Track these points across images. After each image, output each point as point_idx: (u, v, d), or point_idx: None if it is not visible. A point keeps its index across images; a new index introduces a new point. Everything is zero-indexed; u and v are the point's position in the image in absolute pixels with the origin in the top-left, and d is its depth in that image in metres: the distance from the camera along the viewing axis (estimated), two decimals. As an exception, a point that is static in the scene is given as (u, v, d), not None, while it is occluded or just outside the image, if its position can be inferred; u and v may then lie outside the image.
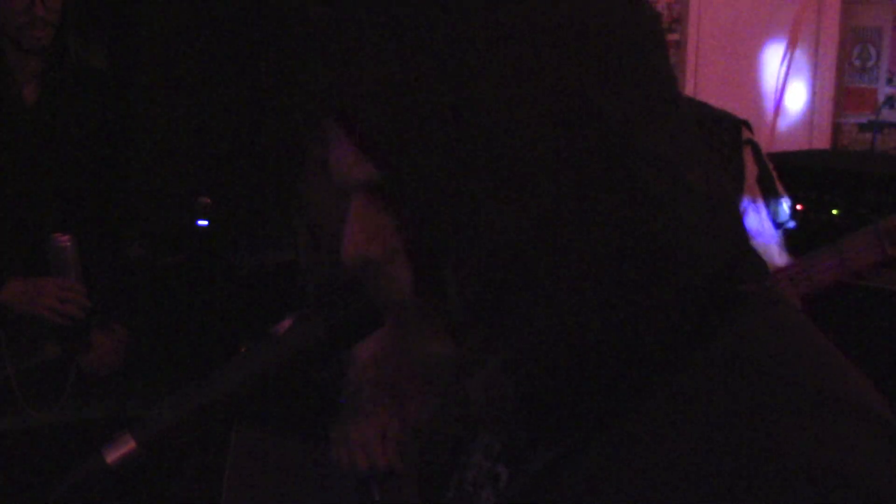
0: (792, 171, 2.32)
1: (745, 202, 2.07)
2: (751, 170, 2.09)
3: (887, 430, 0.74)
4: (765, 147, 2.18)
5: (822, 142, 4.44)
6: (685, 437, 0.72)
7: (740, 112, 2.20)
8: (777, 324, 0.80)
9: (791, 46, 4.35)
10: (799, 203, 3.50)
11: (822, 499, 0.67)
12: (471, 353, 0.79)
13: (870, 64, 4.34)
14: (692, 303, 0.77)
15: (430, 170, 0.74)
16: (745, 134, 2.10)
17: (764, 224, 2.08)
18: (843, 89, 4.42)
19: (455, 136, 0.73)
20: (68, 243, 2.95)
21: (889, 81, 4.28)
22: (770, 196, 2.10)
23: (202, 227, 4.34)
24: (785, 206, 2.13)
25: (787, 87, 4.37)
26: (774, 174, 2.13)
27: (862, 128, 4.36)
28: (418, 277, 0.79)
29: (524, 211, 0.73)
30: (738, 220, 0.82)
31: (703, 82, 4.11)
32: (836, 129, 4.45)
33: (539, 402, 0.80)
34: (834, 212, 3.52)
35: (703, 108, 2.12)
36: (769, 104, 4.34)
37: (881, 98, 4.24)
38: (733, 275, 0.80)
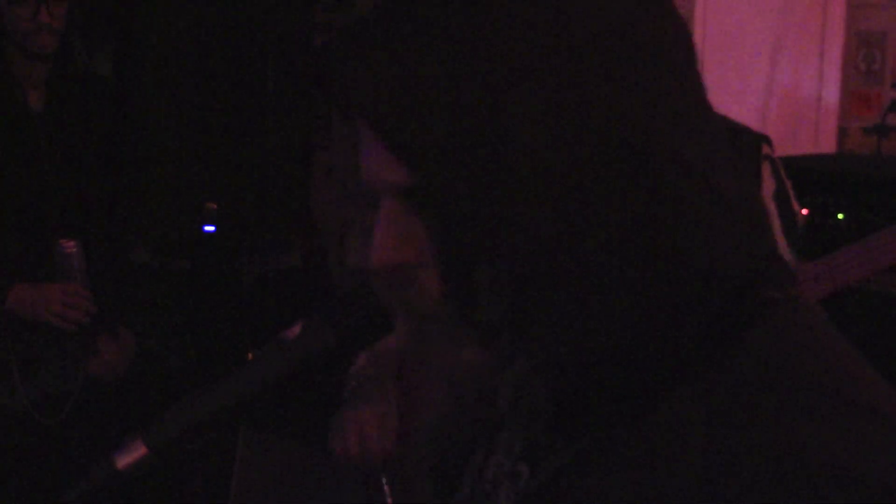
0: (797, 174, 2.31)
1: None
2: (767, 184, 2.10)
3: None
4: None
5: (827, 145, 4.44)
6: (709, 438, 0.73)
7: (744, 115, 2.20)
8: (802, 329, 0.81)
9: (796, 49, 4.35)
10: (804, 207, 3.50)
11: (846, 501, 0.68)
12: (499, 356, 0.79)
13: (875, 67, 4.34)
14: (720, 307, 0.78)
15: (462, 173, 0.75)
16: (765, 150, 2.12)
17: (777, 238, 2.08)
18: (848, 93, 4.41)
19: (487, 140, 0.74)
20: (74, 249, 2.96)
21: (894, 85, 4.28)
22: (785, 212, 2.11)
23: (208, 232, 4.35)
24: (799, 223, 2.14)
25: (791, 90, 4.37)
26: (791, 191, 2.13)
27: (867, 131, 4.36)
28: (447, 282, 0.79)
29: (555, 215, 0.74)
30: (767, 226, 0.83)
31: (708, 87, 4.11)
32: (842, 132, 4.45)
33: (568, 401, 0.81)
34: (839, 216, 3.52)
35: (724, 121, 2.13)
36: (775, 108, 4.34)
37: (886, 102, 4.24)
38: (761, 281, 0.80)
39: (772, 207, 2.10)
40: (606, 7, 0.76)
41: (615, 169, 0.74)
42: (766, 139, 2.14)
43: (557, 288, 0.75)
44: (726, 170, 0.79)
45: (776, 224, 2.10)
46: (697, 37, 4.08)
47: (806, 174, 3.54)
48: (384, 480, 2.09)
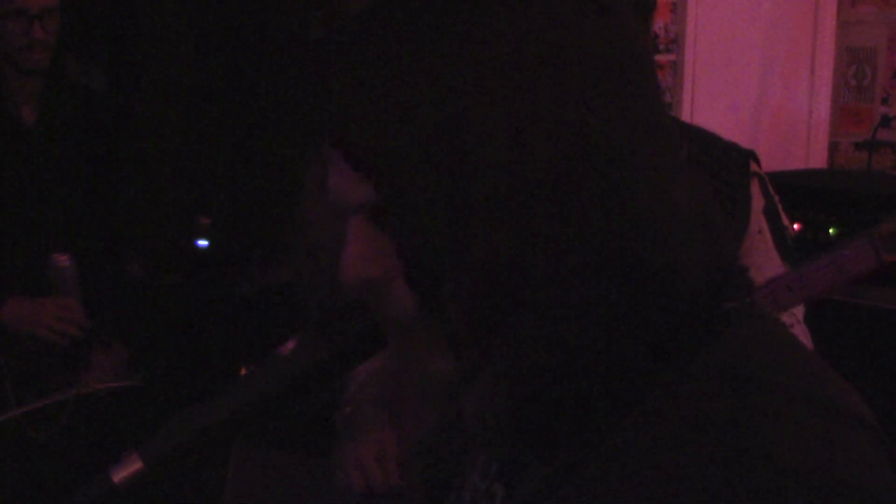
0: (789, 190, 2.33)
1: (752, 233, 2.09)
2: (757, 201, 2.11)
3: (873, 433, 0.77)
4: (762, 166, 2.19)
5: (818, 161, 4.45)
6: (677, 449, 0.74)
7: (736, 131, 2.21)
8: (761, 336, 0.82)
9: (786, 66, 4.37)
10: (796, 222, 3.51)
11: (817, 500, 0.69)
12: (468, 369, 0.80)
13: (865, 83, 4.36)
14: (679, 319, 0.79)
15: (424, 192, 0.76)
16: (753, 167, 2.13)
17: (770, 254, 2.10)
18: (838, 108, 4.43)
19: (449, 159, 0.76)
20: (68, 263, 2.96)
21: (884, 101, 4.29)
22: (776, 227, 2.12)
23: (202, 247, 4.35)
24: (789, 237, 2.14)
25: (781, 105, 4.39)
26: (780, 206, 2.15)
27: (858, 147, 4.38)
28: (417, 297, 0.80)
29: (516, 231, 0.75)
30: (725, 238, 0.84)
31: (699, 103, 4.13)
32: (833, 147, 4.47)
33: (530, 414, 0.81)
34: (831, 231, 3.53)
35: (712, 138, 2.14)
36: (765, 124, 4.35)
37: (877, 118, 4.25)
38: (719, 292, 0.81)
39: (763, 223, 2.11)
40: (561, 25, 0.77)
41: (574, 184, 0.75)
42: (753, 155, 2.15)
43: (517, 302, 0.76)
44: (682, 183, 0.81)
45: (768, 239, 2.11)
46: (688, 53, 4.10)
47: (797, 189, 3.55)
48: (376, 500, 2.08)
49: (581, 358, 0.77)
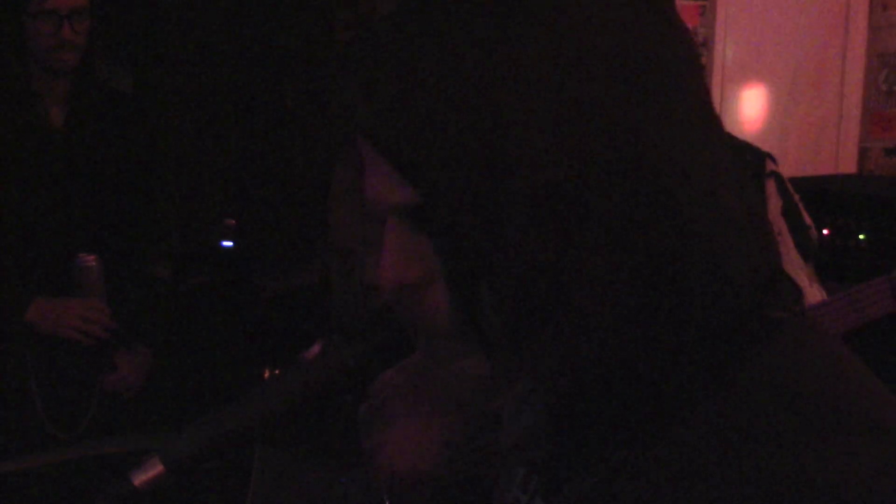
0: (818, 195, 2.31)
1: None
2: (774, 202, 2.09)
3: None
4: (790, 171, 2.17)
5: (848, 166, 4.43)
6: (716, 464, 0.72)
7: (765, 135, 2.19)
8: (813, 348, 0.79)
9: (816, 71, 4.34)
10: (825, 228, 3.48)
11: None
12: (504, 374, 0.79)
13: (896, 88, 4.33)
14: (725, 327, 0.76)
15: (464, 192, 0.75)
16: (770, 166, 2.11)
17: (790, 255, 2.07)
18: (869, 114, 4.40)
19: (490, 159, 0.74)
20: (94, 263, 2.97)
21: (915, 106, 4.26)
22: (797, 227, 2.10)
23: (227, 248, 4.36)
24: (812, 237, 2.12)
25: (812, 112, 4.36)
26: (801, 205, 2.12)
27: (888, 152, 4.35)
28: (455, 299, 0.79)
29: (559, 233, 0.74)
30: (773, 243, 0.82)
31: (728, 107, 4.11)
32: (862, 153, 4.44)
33: (569, 422, 0.80)
34: (861, 237, 3.50)
35: (728, 138, 2.13)
36: (795, 128, 4.33)
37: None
38: (767, 299, 0.79)
39: (781, 224, 2.09)
40: (608, 22, 0.75)
41: (619, 186, 0.73)
42: (769, 156, 2.13)
43: (558, 306, 0.74)
44: (731, 185, 0.78)
45: (787, 241, 2.09)
46: (718, 58, 4.08)
47: (826, 195, 3.53)
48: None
49: (622, 365, 0.75)
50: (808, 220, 2.14)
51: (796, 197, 2.13)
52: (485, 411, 0.82)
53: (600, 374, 0.75)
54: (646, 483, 0.76)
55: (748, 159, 2.09)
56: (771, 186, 2.09)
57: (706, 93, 0.81)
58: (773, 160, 2.13)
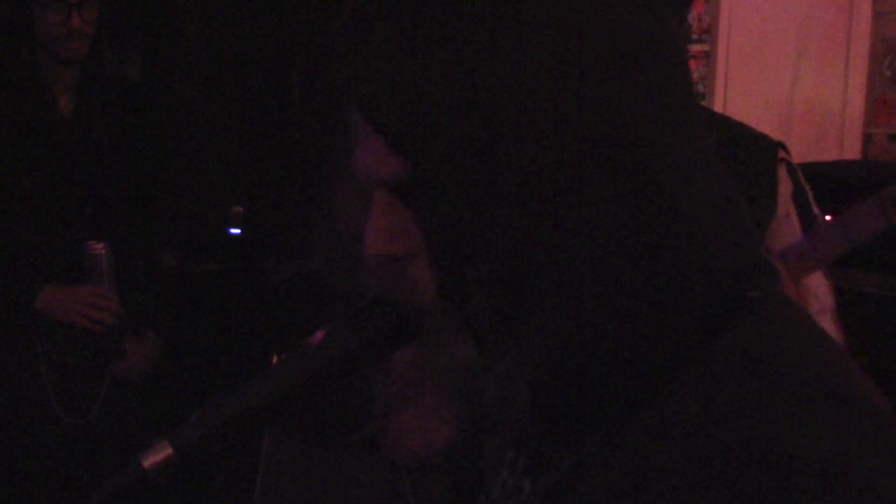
0: (822, 181, 2.31)
1: (780, 216, 2.09)
2: (785, 185, 2.11)
3: (891, 428, 0.75)
4: (794, 158, 2.19)
5: (852, 152, 4.43)
6: (693, 438, 0.73)
7: (769, 122, 2.21)
8: (785, 324, 0.82)
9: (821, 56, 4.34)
10: (829, 214, 3.48)
11: (825, 495, 0.68)
12: (490, 354, 0.80)
13: (901, 74, 4.32)
14: (704, 306, 0.78)
15: (455, 170, 0.76)
16: (781, 153, 2.13)
17: (796, 238, 2.09)
18: (873, 100, 4.40)
19: (483, 138, 0.75)
20: (103, 251, 2.98)
21: (920, 92, 4.26)
22: (805, 214, 2.11)
23: (235, 236, 4.37)
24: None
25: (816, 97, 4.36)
26: (810, 194, 2.14)
27: (893, 138, 4.34)
28: (440, 278, 0.81)
29: (545, 215, 0.75)
30: (752, 226, 0.84)
31: (732, 93, 4.11)
32: (867, 139, 4.44)
33: (552, 401, 0.81)
34: (864, 222, 3.50)
35: (741, 126, 2.15)
36: (799, 115, 4.32)
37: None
38: (745, 279, 0.81)
39: (791, 207, 2.11)
40: (599, 13, 0.77)
41: (606, 170, 0.75)
42: (782, 145, 2.16)
43: (545, 286, 0.76)
44: (710, 171, 0.81)
45: (795, 223, 2.10)
46: (722, 42, 4.08)
47: (831, 181, 3.53)
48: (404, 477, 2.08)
49: (603, 345, 0.77)
50: (816, 209, 2.15)
51: (807, 186, 2.15)
52: (476, 399, 0.84)
53: (584, 352, 0.77)
54: (625, 458, 0.77)
55: (763, 147, 2.11)
56: (782, 170, 2.11)
57: (690, 84, 0.83)
58: (786, 150, 2.15)
